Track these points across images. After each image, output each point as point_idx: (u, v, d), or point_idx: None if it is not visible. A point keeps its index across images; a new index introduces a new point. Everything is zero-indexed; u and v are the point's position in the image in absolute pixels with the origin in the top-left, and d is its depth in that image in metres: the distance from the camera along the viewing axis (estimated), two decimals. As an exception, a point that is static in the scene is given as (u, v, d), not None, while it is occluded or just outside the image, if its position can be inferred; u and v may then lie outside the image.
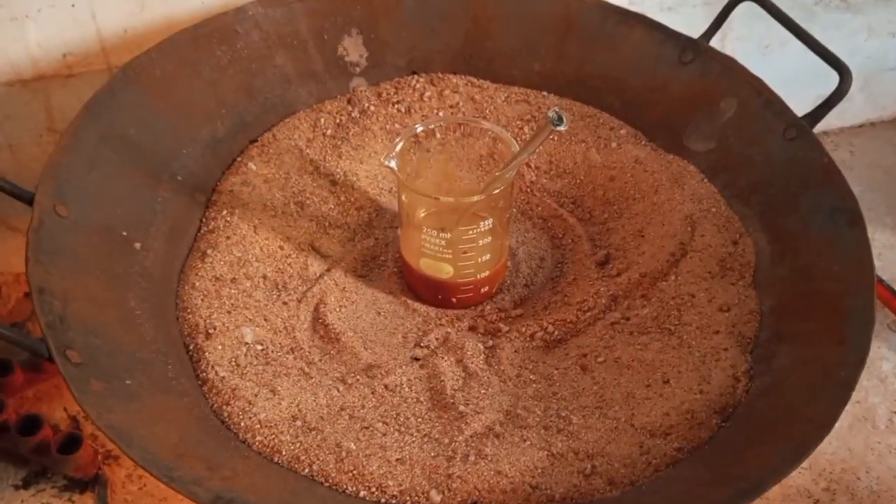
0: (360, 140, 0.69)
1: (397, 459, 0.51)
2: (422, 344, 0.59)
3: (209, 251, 0.61)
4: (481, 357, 0.58)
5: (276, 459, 0.51)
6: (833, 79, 0.60)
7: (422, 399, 0.55)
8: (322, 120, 0.70)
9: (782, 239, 0.61)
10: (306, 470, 0.50)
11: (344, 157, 0.68)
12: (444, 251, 0.59)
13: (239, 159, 0.67)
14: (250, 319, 0.58)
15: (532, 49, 0.73)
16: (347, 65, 0.72)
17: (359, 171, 0.68)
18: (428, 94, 0.72)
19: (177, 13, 0.70)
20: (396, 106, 0.71)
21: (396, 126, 0.70)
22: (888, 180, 0.91)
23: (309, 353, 0.58)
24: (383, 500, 0.49)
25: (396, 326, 0.61)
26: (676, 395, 0.54)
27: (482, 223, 0.58)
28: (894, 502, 0.63)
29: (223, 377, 0.54)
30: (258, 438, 0.51)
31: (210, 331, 0.56)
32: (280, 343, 0.57)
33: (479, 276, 0.60)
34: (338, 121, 0.70)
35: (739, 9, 0.67)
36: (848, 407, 0.48)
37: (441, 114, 0.71)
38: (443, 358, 0.58)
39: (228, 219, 0.63)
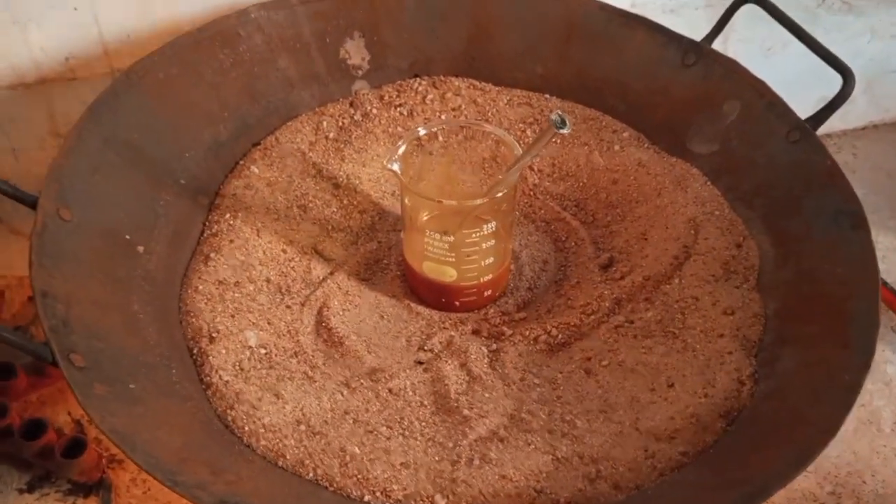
0: (363, 143, 0.69)
1: (401, 463, 0.51)
2: (425, 347, 0.59)
3: (212, 255, 0.61)
4: (485, 361, 0.58)
5: (280, 464, 0.51)
6: (836, 81, 0.60)
7: (426, 403, 0.55)
8: (324, 123, 0.70)
9: (786, 242, 0.61)
10: (310, 474, 0.50)
11: (346, 160, 0.68)
12: (448, 254, 0.59)
13: (242, 162, 0.67)
14: (254, 323, 0.58)
15: (534, 52, 0.73)
16: (350, 68, 0.72)
17: (361, 175, 0.68)
18: (430, 96, 0.72)
19: (179, 16, 0.70)
20: (399, 109, 0.71)
21: (399, 129, 0.70)
22: (892, 183, 0.91)
23: (312, 356, 0.57)
24: (387, 505, 0.49)
25: (400, 330, 0.61)
26: (681, 398, 0.54)
27: (485, 226, 0.58)
28: (899, 506, 0.63)
29: (227, 381, 0.54)
30: (262, 442, 0.51)
31: (213, 335, 0.56)
32: (284, 347, 0.57)
33: (482, 280, 0.60)
34: (340, 124, 0.70)
35: (742, 11, 0.67)
36: (853, 410, 0.48)
37: (443, 117, 0.71)
38: (446, 362, 0.57)
39: (231, 222, 0.63)
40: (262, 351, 0.56)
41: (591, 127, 0.71)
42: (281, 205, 0.65)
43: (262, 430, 0.52)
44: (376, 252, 0.65)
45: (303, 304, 0.61)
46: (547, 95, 0.73)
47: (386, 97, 0.72)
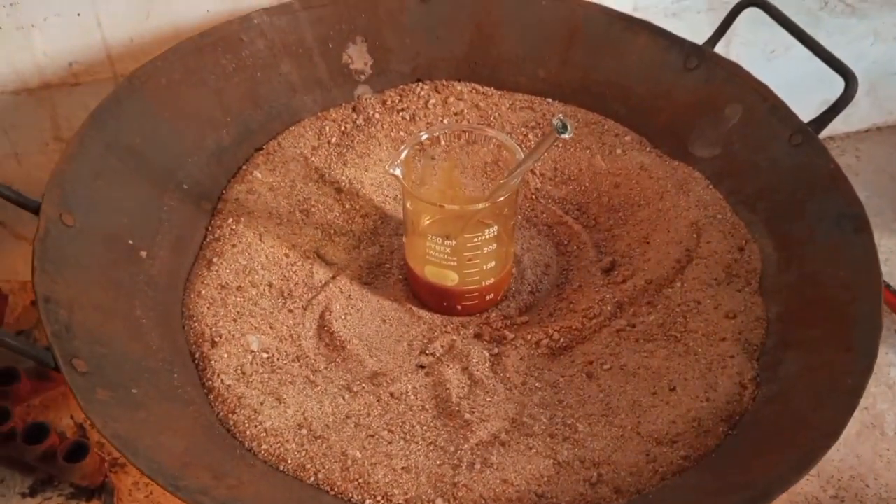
0: (365, 148, 0.69)
1: (403, 468, 0.51)
2: (427, 351, 0.59)
3: (215, 259, 0.61)
4: (487, 365, 0.58)
5: (281, 468, 0.51)
6: (839, 84, 0.60)
7: (427, 407, 0.55)
8: (327, 128, 0.70)
9: (788, 245, 0.61)
10: (312, 478, 0.50)
11: (349, 164, 0.68)
12: (449, 258, 0.59)
13: (244, 167, 0.68)
14: (256, 327, 0.58)
15: (537, 56, 0.73)
16: (352, 72, 0.72)
17: (364, 179, 0.68)
18: (432, 101, 0.72)
19: (182, 22, 0.70)
20: (401, 113, 0.71)
21: (401, 133, 0.70)
22: (895, 185, 0.90)
23: (314, 360, 0.58)
24: (389, 509, 0.49)
25: (402, 334, 0.61)
26: (683, 402, 0.54)
27: (487, 230, 0.58)
28: (903, 510, 0.63)
29: (229, 385, 0.54)
30: (264, 447, 0.51)
31: (216, 339, 0.56)
32: (286, 351, 0.57)
33: (484, 284, 0.60)
34: (343, 128, 0.70)
35: (744, 14, 0.67)
36: (856, 414, 0.48)
37: (446, 121, 0.71)
38: (448, 365, 0.57)
39: (234, 227, 0.63)
40: (264, 355, 0.56)
41: (593, 131, 0.71)
42: (283, 209, 0.65)
43: (264, 435, 0.52)
44: (378, 256, 0.65)
45: (305, 309, 0.61)
46: (549, 99, 0.73)
47: (388, 102, 0.72)
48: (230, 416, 0.53)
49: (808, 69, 0.64)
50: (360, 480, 0.50)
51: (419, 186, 0.62)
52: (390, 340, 0.60)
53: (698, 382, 0.55)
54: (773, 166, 0.63)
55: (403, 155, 0.58)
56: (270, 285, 0.61)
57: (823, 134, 0.62)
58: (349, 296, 0.62)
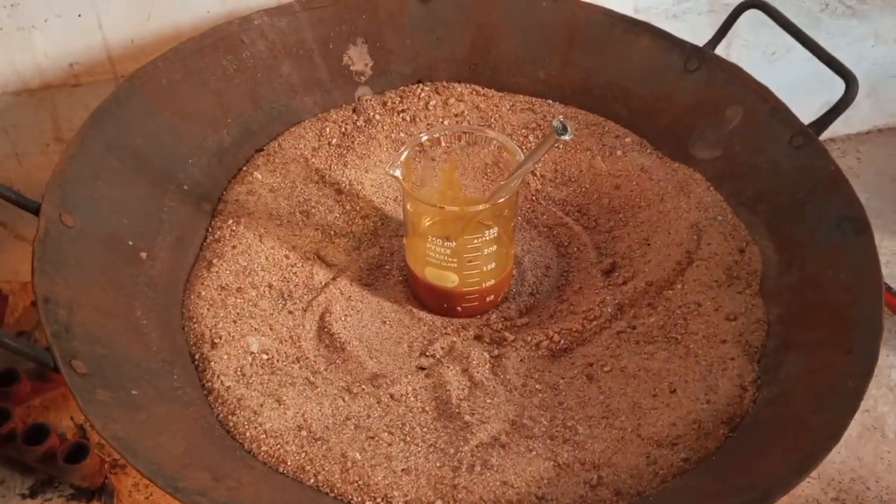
0: (366, 149, 0.69)
1: (403, 469, 0.51)
2: (427, 353, 0.59)
3: (215, 260, 0.61)
4: (487, 366, 0.58)
5: (281, 469, 0.51)
6: (839, 85, 0.60)
7: (427, 409, 0.55)
8: (327, 129, 0.70)
9: (789, 247, 0.61)
10: (312, 480, 0.50)
11: (349, 165, 0.68)
12: (450, 260, 0.59)
13: (245, 168, 0.68)
14: (256, 329, 0.58)
15: (537, 57, 0.73)
16: (353, 74, 0.72)
17: (364, 180, 0.68)
18: (433, 102, 0.72)
19: (183, 23, 0.70)
20: (401, 115, 0.71)
21: (401, 135, 0.70)
22: (895, 187, 0.90)
23: (314, 362, 0.58)
24: (389, 511, 0.49)
25: (402, 335, 0.61)
26: (683, 404, 0.54)
27: (487, 232, 0.58)
28: (904, 512, 0.63)
29: (229, 387, 0.54)
30: (263, 448, 0.51)
31: (216, 340, 0.56)
32: (285, 352, 0.57)
33: (484, 285, 0.60)
34: (343, 130, 0.70)
35: (745, 16, 0.67)
36: (857, 416, 0.47)
37: (446, 122, 0.71)
38: (448, 367, 0.57)
39: (234, 228, 0.63)
40: (264, 356, 0.56)
41: (593, 132, 0.71)
42: (283, 210, 0.65)
43: (264, 436, 0.52)
44: (378, 257, 0.65)
45: (305, 310, 0.61)
46: (549, 101, 0.73)
47: (389, 103, 0.72)
48: (230, 417, 0.53)
49: (809, 71, 0.64)
50: (360, 482, 0.50)
51: (419, 188, 0.62)
52: (390, 342, 0.60)
53: (699, 384, 0.55)
54: (774, 168, 0.63)
55: (404, 156, 0.58)
56: (270, 286, 0.61)
57: (824, 136, 0.62)
58: (349, 297, 0.62)
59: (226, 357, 0.55)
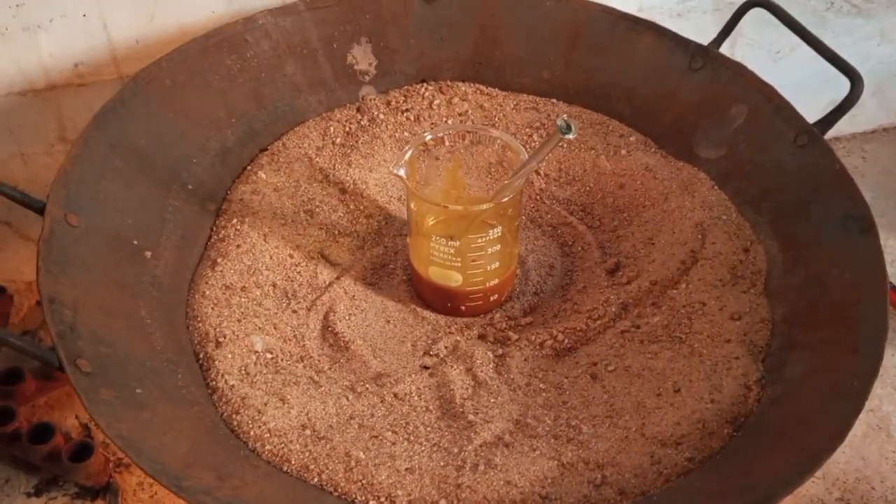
0: (370, 148, 0.69)
1: (406, 469, 0.51)
2: (431, 352, 0.59)
3: (219, 260, 0.61)
4: (491, 366, 0.58)
5: (285, 469, 0.51)
6: (844, 84, 0.60)
7: (431, 408, 0.55)
8: (331, 128, 0.70)
9: (794, 246, 0.60)
10: (315, 479, 0.50)
11: (353, 165, 0.68)
12: (454, 259, 0.59)
13: (249, 168, 0.68)
14: (260, 328, 0.58)
15: (541, 57, 0.73)
16: (357, 73, 0.72)
17: (368, 180, 0.68)
18: (437, 102, 0.72)
19: (187, 23, 0.70)
20: (405, 114, 0.71)
21: (405, 134, 0.70)
22: (901, 186, 0.90)
23: (318, 361, 0.58)
24: (392, 510, 0.49)
25: (406, 335, 0.61)
26: (687, 404, 0.54)
27: (491, 231, 0.58)
28: (909, 512, 0.63)
29: (233, 386, 0.54)
30: (267, 447, 0.51)
31: (220, 339, 0.56)
32: (290, 352, 0.57)
33: (488, 284, 0.60)
34: (347, 129, 0.70)
35: (749, 15, 0.67)
36: (861, 415, 0.47)
37: (450, 122, 0.71)
38: (452, 366, 0.57)
39: (238, 227, 0.63)
40: (268, 355, 0.56)
41: (597, 131, 0.71)
42: (288, 210, 0.65)
43: (268, 435, 0.52)
44: (382, 257, 0.65)
45: (309, 309, 0.61)
46: (553, 100, 0.73)
47: (393, 102, 0.72)
48: (234, 416, 0.53)
49: (814, 70, 0.64)
50: (364, 481, 0.50)
51: (423, 187, 0.62)
52: (394, 341, 0.60)
53: (703, 384, 0.55)
54: (779, 167, 0.63)
55: (408, 155, 0.58)
56: (274, 286, 0.61)
57: (829, 135, 0.62)
58: (353, 296, 0.62)
59: (230, 356, 0.55)
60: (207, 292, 0.59)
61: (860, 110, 0.70)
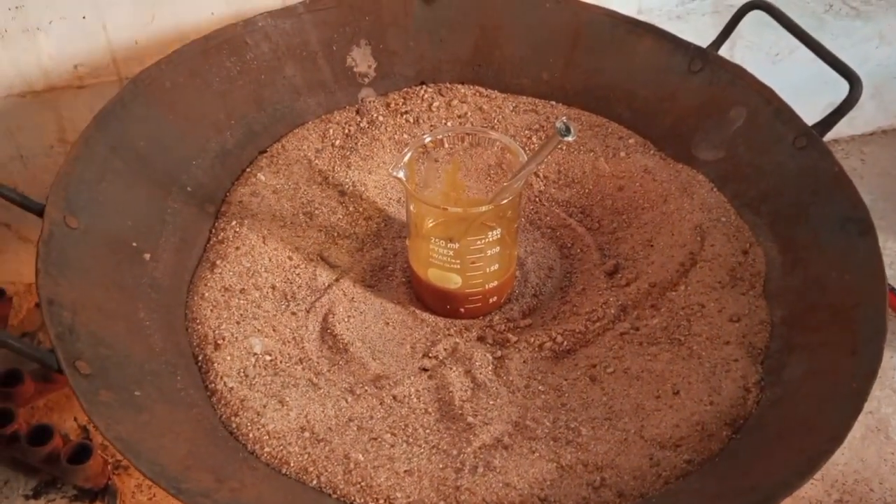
0: (369, 150, 0.69)
1: (405, 471, 0.51)
2: (430, 354, 0.59)
3: (218, 262, 0.61)
4: (490, 368, 0.58)
5: (284, 471, 0.51)
6: (843, 86, 0.60)
7: (430, 410, 0.55)
8: (331, 130, 0.70)
9: (793, 249, 0.60)
10: (314, 482, 0.50)
11: (352, 167, 0.68)
12: (453, 261, 0.59)
13: (248, 170, 0.68)
14: (259, 330, 0.58)
15: (540, 59, 0.73)
16: (356, 75, 0.72)
17: (367, 182, 0.68)
18: (436, 104, 0.72)
19: (187, 25, 0.70)
20: (405, 116, 0.71)
21: (405, 136, 0.70)
22: (900, 189, 0.90)
23: (317, 363, 0.58)
24: (391, 512, 0.49)
25: (405, 337, 0.61)
26: (686, 406, 0.54)
27: (490, 233, 0.58)
28: (908, 514, 0.63)
29: (232, 388, 0.54)
30: (266, 450, 0.51)
31: (219, 341, 0.56)
32: (288, 354, 0.57)
33: (487, 287, 0.60)
34: (346, 131, 0.70)
35: (748, 17, 0.67)
36: (860, 417, 0.47)
37: (449, 124, 0.71)
38: (451, 368, 0.57)
39: (238, 229, 0.63)
40: (267, 358, 0.56)
41: (596, 133, 0.71)
42: (287, 212, 0.65)
43: (267, 438, 0.52)
44: (381, 259, 0.65)
45: (308, 311, 0.61)
46: (553, 102, 0.73)
47: (392, 104, 0.72)
48: (233, 418, 0.53)
49: (813, 72, 0.64)
50: (363, 484, 0.50)
51: (422, 189, 0.62)
52: (393, 343, 0.60)
53: (702, 386, 0.55)
54: (778, 169, 0.63)
55: (407, 157, 0.58)
56: (274, 288, 0.61)
57: (828, 137, 0.62)
58: (352, 298, 0.62)
59: (229, 358, 0.55)
60: (206, 294, 0.59)
61: (859, 112, 0.70)
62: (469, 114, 0.72)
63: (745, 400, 0.54)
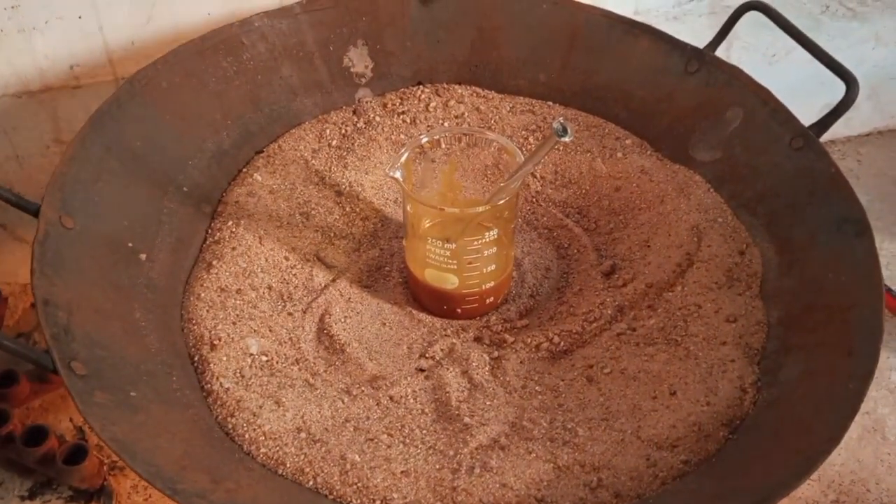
0: (366, 151, 0.69)
1: (402, 472, 0.51)
2: (427, 355, 0.59)
3: (214, 262, 0.61)
4: (486, 368, 0.58)
5: (280, 472, 0.51)
6: (840, 87, 0.60)
7: (427, 410, 0.55)
8: (327, 131, 0.70)
9: (790, 249, 0.60)
10: (310, 482, 0.50)
11: (349, 167, 0.68)
12: (449, 262, 0.59)
13: (245, 170, 0.68)
14: (255, 330, 0.58)
15: (537, 59, 0.73)
16: (353, 76, 0.72)
17: (364, 182, 0.68)
18: (433, 104, 0.72)
19: (183, 25, 0.70)
20: (402, 116, 0.71)
21: (402, 136, 0.70)
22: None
23: (314, 364, 0.57)
24: (388, 513, 0.49)
25: (401, 337, 0.61)
26: (683, 406, 0.54)
27: (487, 234, 0.58)
28: (904, 515, 0.63)
29: (228, 388, 0.54)
30: (262, 450, 0.51)
31: (215, 342, 0.56)
32: (285, 354, 0.57)
33: (484, 287, 0.60)
34: (343, 131, 0.70)
35: (745, 18, 0.67)
36: (857, 418, 0.47)
37: (446, 124, 0.71)
38: (448, 369, 0.57)
39: (234, 230, 0.63)
40: (264, 358, 0.56)
41: (593, 134, 0.71)
42: (283, 212, 0.65)
43: (263, 438, 0.52)
44: (378, 259, 0.65)
45: (304, 312, 0.61)
46: (550, 103, 0.73)
47: (389, 105, 0.72)
48: (229, 419, 0.53)
49: (809, 73, 0.64)
50: (359, 484, 0.50)
51: (419, 189, 0.62)
52: (390, 344, 0.60)
53: (699, 386, 0.55)
54: (774, 170, 0.63)
55: (404, 158, 0.58)
56: (270, 288, 0.61)
57: (824, 138, 0.62)
58: (349, 299, 0.62)
59: (225, 359, 0.55)
60: (202, 294, 0.59)
61: (855, 113, 0.70)
62: (466, 114, 0.72)
63: (742, 400, 0.54)
